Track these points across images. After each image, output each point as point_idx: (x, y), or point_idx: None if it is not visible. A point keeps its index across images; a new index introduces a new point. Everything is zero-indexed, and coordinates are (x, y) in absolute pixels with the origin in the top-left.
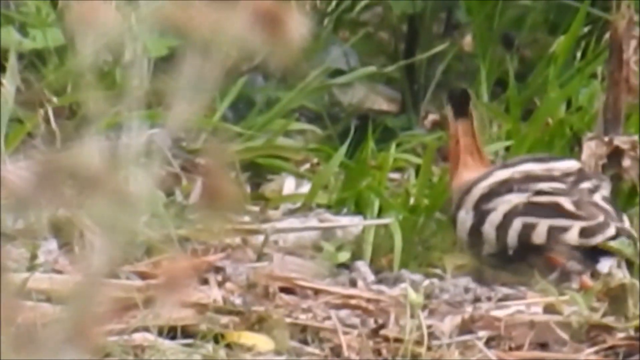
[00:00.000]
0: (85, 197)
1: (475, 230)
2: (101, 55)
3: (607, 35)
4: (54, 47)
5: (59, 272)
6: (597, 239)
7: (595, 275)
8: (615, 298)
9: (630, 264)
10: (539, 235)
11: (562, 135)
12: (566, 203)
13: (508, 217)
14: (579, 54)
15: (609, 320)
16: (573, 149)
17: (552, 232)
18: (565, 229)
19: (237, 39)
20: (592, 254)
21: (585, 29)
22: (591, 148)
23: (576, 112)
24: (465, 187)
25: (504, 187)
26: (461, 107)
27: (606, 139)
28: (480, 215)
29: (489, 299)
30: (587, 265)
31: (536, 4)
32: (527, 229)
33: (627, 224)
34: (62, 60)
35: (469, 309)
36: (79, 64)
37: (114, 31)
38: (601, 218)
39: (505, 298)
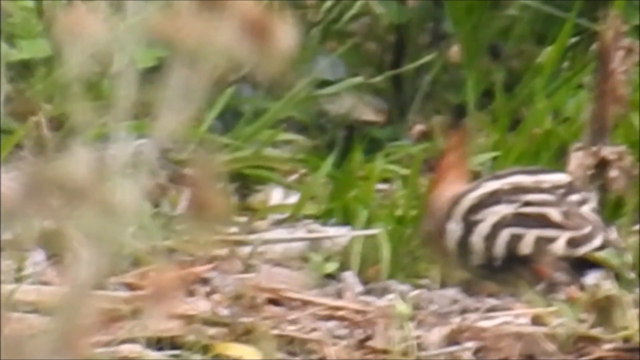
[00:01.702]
0: (72, 208)
1: (464, 241)
2: (88, 66)
3: (594, 46)
4: (42, 58)
5: (47, 283)
6: (584, 249)
7: (582, 286)
8: (603, 309)
9: (617, 275)
10: (527, 246)
11: (549, 145)
12: (554, 214)
13: (496, 228)
14: (566, 65)
15: (597, 331)
16: (560, 159)
17: (540, 242)
18: (552, 240)
19: (224, 49)
20: (580, 266)
21: (572, 40)
22: (578, 159)
23: (563, 122)
24: (454, 199)
25: (493, 198)
26: (457, 120)
27: (593, 149)
28: (469, 226)
29: (476, 310)
30: (574, 277)
31: (523, 14)
32: (515, 240)
33: (614, 235)
34: (49, 71)
35: (456, 320)
36: (66, 74)
37: (101, 42)
38: (588, 229)
39: (493, 309)
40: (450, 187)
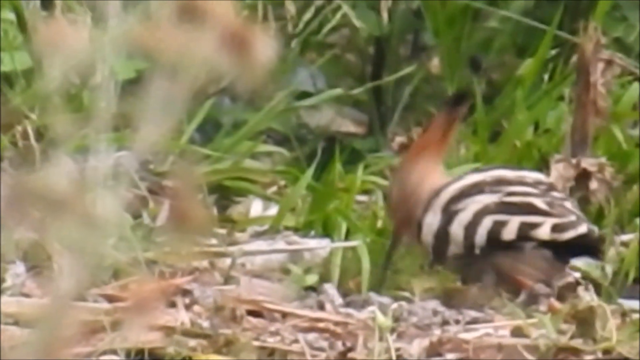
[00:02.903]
0: (53, 220)
1: (442, 231)
2: (69, 78)
3: (574, 58)
4: (22, 70)
5: (27, 295)
6: (569, 234)
7: (562, 297)
8: (583, 320)
9: (598, 287)
10: (510, 232)
11: (529, 157)
12: (539, 202)
13: (478, 216)
14: (546, 77)
15: (577, 342)
16: (541, 171)
17: (523, 228)
18: (536, 225)
19: (204, 61)
20: (565, 254)
21: (553, 52)
22: (559, 170)
23: (544, 134)
24: (433, 192)
25: (475, 189)
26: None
27: (574, 161)
28: (449, 215)
29: (457, 322)
30: (559, 265)
31: (504, 26)
32: (498, 226)
33: (596, 229)
34: (29, 84)
35: (437, 331)
36: (47, 86)
37: (81, 54)
38: (573, 217)
39: (474, 321)
40: (424, 165)
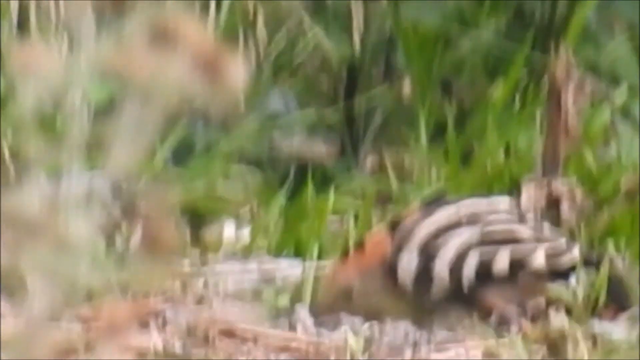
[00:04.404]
0: (25, 243)
1: (423, 271)
2: (42, 102)
3: (545, 80)
4: None
5: (0, 316)
6: (566, 259)
7: (534, 320)
8: (554, 343)
9: (569, 309)
10: (501, 263)
11: (501, 179)
12: (522, 230)
13: (462, 251)
14: (517, 99)
15: None
16: (512, 193)
17: (515, 258)
18: (528, 254)
19: (176, 83)
20: (564, 274)
21: (524, 74)
22: (529, 192)
23: (515, 157)
24: (405, 231)
25: (452, 222)
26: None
27: (545, 183)
28: (428, 254)
29: (428, 342)
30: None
31: (475, 49)
32: (487, 259)
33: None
34: (3, 107)
35: (408, 352)
36: (20, 110)
37: (55, 77)
38: (563, 240)
39: (445, 342)
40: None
